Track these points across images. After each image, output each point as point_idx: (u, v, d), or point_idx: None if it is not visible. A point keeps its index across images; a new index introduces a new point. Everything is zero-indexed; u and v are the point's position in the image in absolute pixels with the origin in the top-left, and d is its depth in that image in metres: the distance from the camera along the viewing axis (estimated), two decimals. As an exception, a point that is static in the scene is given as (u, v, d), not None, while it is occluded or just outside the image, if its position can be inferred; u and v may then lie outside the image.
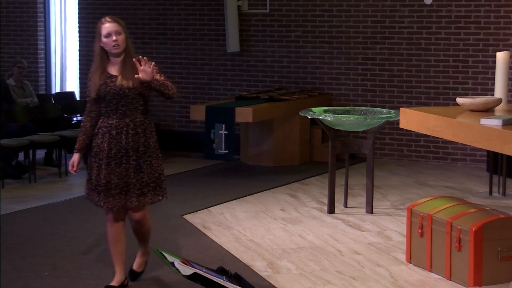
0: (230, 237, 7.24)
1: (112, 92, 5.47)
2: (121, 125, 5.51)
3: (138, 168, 5.51)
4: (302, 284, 5.95)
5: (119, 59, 5.53)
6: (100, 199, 5.58)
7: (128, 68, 5.48)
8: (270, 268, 6.33)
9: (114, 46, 5.45)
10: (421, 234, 6.24)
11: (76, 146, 5.67)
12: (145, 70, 5.39)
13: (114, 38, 5.44)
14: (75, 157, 5.67)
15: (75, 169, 5.67)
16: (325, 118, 7.90)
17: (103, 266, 6.38)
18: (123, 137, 5.51)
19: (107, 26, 5.45)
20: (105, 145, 5.52)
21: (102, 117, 5.57)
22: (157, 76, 5.50)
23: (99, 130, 5.56)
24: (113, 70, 5.54)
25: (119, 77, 5.48)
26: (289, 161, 10.75)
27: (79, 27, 12.85)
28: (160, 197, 5.63)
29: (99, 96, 5.51)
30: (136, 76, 5.40)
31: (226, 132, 9.64)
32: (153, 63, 5.43)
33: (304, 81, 11.61)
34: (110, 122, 5.52)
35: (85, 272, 6.23)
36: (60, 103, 11.15)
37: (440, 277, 6.07)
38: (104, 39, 5.46)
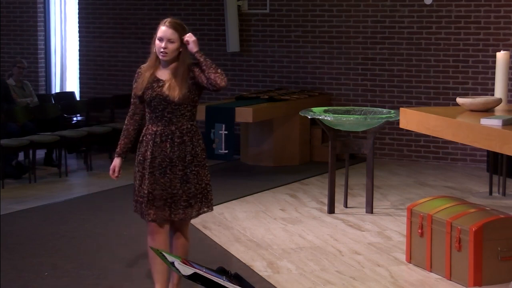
0: (230, 237, 7.24)
1: (158, 98, 5.11)
2: (166, 133, 5.14)
3: (185, 179, 5.16)
4: (302, 284, 5.95)
5: (170, 67, 5.16)
6: (143, 211, 5.19)
7: (179, 79, 5.10)
8: (270, 268, 6.33)
9: (161, 52, 5.10)
10: (421, 234, 6.24)
11: (117, 150, 5.33)
12: (190, 38, 5.06)
13: (163, 44, 5.08)
14: (116, 161, 5.30)
15: (116, 174, 5.29)
16: (325, 118, 7.90)
17: (103, 266, 6.38)
18: (168, 145, 5.14)
19: (163, 29, 5.09)
20: (149, 153, 5.15)
21: (147, 124, 5.22)
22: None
23: (144, 138, 5.21)
24: (162, 74, 5.17)
25: (167, 85, 5.10)
26: (289, 161, 10.74)
27: (79, 27, 12.85)
28: (206, 209, 5.28)
29: (144, 100, 5.18)
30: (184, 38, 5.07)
31: (226, 132, 9.64)
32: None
33: (304, 81, 11.61)
34: (155, 129, 5.16)
35: (85, 272, 6.23)
36: (60, 103, 11.15)
37: (440, 277, 6.07)
38: (156, 42, 5.11)
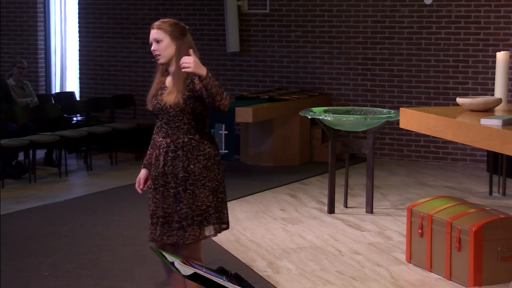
0: (230, 237, 7.24)
1: (158, 106, 4.74)
2: (162, 146, 4.75)
3: (178, 198, 4.70)
4: (302, 284, 5.95)
5: (172, 70, 4.76)
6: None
7: (175, 81, 4.68)
8: (270, 268, 6.33)
9: (155, 56, 4.73)
10: (421, 234, 6.24)
11: (144, 161, 4.99)
12: (185, 60, 4.50)
13: (152, 47, 4.73)
14: (141, 173, 4.93)
15: (141, 187, 4.93)
16: (325, 118, 7.90)
17: (103, 266, 6.38)
18: (162, 159, 4.74)
19: (151, 33, 4.75)
20: (153, 167, 4.84)
21: None
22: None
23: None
24: (168, 80, 4.79)
25: (167, 91, 4.72)
26: (289, 161, 10.74)
27: (79, 27, 12.85)
28: (208, 234, 4.75)
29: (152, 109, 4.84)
30: (181, 68, 4.56)
31: (226, 132, 9.64)
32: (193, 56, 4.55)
33: (304, 81, 11.61)
34: (158, 141, 4.81)
35: (85, 272, 6.23)
36: (60, 103, 11.15)
37: (440, 277, 6.07)
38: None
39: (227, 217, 4.87)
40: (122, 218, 7.92)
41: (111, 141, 10.78)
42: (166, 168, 4.73)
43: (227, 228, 4.87)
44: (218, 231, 4.80)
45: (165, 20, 4.84)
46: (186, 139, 4.72)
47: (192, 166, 4.70)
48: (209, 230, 4.75)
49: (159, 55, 4.73)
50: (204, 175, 4.72)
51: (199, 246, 4.83)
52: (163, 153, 4.75)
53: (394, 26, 11.06)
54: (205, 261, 6.14)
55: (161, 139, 4.78)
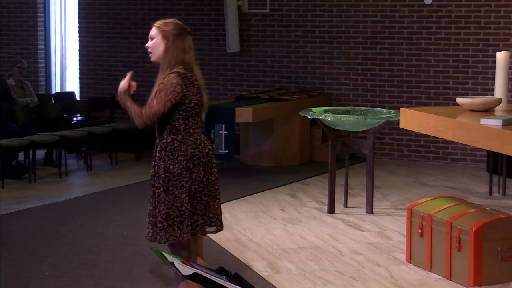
0: (230, 237, 7.23)
1: None
2: (155, 145, 4.82)
3: (160, 198, 4.72)
4: (302, 284, 5.95)
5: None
6: None
7: (158, 81, 4.73)
8: (270, 268, 6.33)
9: (149, 53, 4.79)
10: (421, 234, 6.24)
11: None
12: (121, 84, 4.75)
13: (146, 44, 4.79)
14: None
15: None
16: (325, 118, 7.90)
17: (103, 266, 6.38)
18: (153, 158, 4.82)
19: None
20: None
21: None
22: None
23: None
24: None
25: None
26: (289, 161, 10.74)
27: (79, 27, 12.85)
28: (185, 235, 4.74)
29: None
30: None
31: (226, 132, 9.64)
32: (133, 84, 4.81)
33: (304, 81, 11.61)
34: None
35: (85, 272, 6.23)
36: (60, 103, 11.15)
37: (440, 277, 6.07)
38: None
39: (217, 221, 4.83)
40: (122, 218, 7.92)
41: (111, 141, 10.78)
42: (153, 168, 4.80)
43: (216, 232, 4.88)
44: (188, 233, 4.71)
45: (167, 20, 4.83)
46: (169, 140, 4.73)
47: (171, 167, 4.70)
48: (185, 232, 4.70)
49: (150, 52, 4.77)
50: (183, 176, 4.70)
51: (196, 244, 4.86)
52: (153, 153, 4.84)
53: (394, 26, 11.06)
54: (205, 261, 6.14)
55: (156, 139, 4.85)
